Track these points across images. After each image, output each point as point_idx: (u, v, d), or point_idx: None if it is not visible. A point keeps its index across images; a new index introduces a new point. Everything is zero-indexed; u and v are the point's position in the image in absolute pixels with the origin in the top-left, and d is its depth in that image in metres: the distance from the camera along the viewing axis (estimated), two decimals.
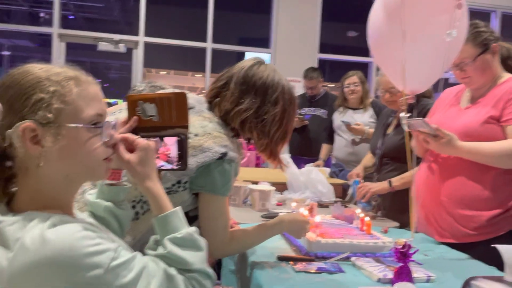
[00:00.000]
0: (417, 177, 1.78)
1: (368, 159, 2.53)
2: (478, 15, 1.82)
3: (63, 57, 5.43)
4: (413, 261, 1.20)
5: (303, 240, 1.46)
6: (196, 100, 1.34)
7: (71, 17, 8.45)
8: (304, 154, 3.94)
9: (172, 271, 0.81)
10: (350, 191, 2.56)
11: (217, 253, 1.31)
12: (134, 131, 1.03)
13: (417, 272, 1.25)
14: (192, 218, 1.28)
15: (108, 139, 0.84)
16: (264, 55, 5.81)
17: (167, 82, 2.27)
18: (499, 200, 1.60)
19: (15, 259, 0.69)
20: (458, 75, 1.70)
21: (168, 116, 1.00)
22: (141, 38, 5.54)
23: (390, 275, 1.22)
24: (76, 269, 0.69)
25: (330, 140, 3.64)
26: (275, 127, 1.31)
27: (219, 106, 1.32)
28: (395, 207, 2.15)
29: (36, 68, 0.79)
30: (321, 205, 2.27)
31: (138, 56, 5.56)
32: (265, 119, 1.29)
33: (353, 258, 1.38)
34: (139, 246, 1.16)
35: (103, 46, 5.44)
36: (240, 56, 6.30)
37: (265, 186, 2.24)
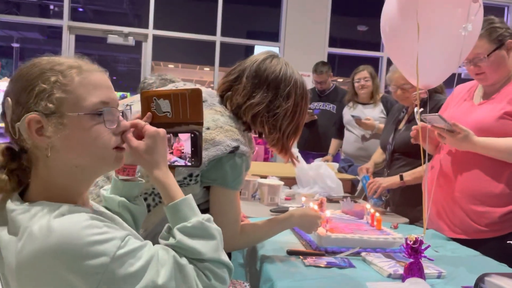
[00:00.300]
0: (429, 172, 1.76)
1: (378, 155, 2.51)
2: (492, 10, 1.80)
3: (73, 49, 5.45)
4: (424, 257, 1.19)
5: (313, 235, 1.46)
6: (208, 94, 1.34)
7: (80, 9, 8.47)
8: (313, 149, 3.93)
9: (183, 260, 0.80)
10: (359, 186, 2.55)
11: (227, 247, 1.31)
12: None
13: (428, 268, 1.25)
14: (203, 211, 1.27)
15: (115, 126, 0.81)
16: (273, 49, 5.78)
17: (175, 76, 2.26)
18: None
19: (23, 247, 0.70)
20: (472, 71, 1.68)
21: (183, 112, 1.00)
22: (150, 31, 5.55)
23: (400, 270, 1.22)
24: (81, 258, 0.68)
25: (340, 135, 3.63)
26: (287, 122, 1.30)
27: (231, 100, 1.31)
28: (405, 202, 2.14)
29: (43, 61, 0.80)
30: (331, 200, 2.27)
31: (147, 49, 5.57)
32: (277, 113, 1.28)
33: (363, 253, 1.38)
34: (150, 238, 1.16)
35: (112, 39, 5.46)
36: (249, 49, 6.29)
37: (274, 181, 2.24)
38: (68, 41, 5.42)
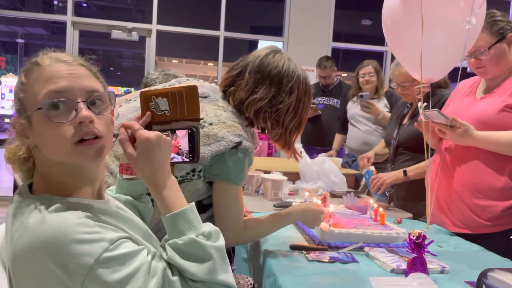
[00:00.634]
0: (432, 167, 1.76)
1: (380, 147, 2.51)
2: (496, 4, 1.78)
3: (77, 45, 5.46)
4: (428, 252, 1.19)
5: (316, 230, 1.46)
6: (211, 89, 1.34)
7: (84, 4, 8.48)
8: (317, 144, 3.92)
9: (174, 277, 0.75)
10: (363, 181, 2.55)
11: (230, 241, 1.32)
12: (148, 126, 1.04)
13: (431, 263, 1.25)
14: (206, 206, 1.29)
15: (70, 119, 0.75)
16: (277, 44, 5.76)
17: (179, 71, 2.26)
18: None
19: (18, 239, 0.71)
20: (473, 64, 1.68)
21: (180, 110, 1.01)
22: (154, 26, 5.54)
23: (403, 265, 1.21)
24: (66, 254, 0.68)
25: (344, 130, 3.62)
26: (290, 117, 1.30)
27: (234, 95, 1.31)
28: (409, 197, 2.14)
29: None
30: (334, 195, 2.27)
31: (151, 44, 5.57)
32: (279, 108, 1.28)
33: (366, 248, 1.38)
34: (154, 233, 1.17)
35: (116, 34, 5.46)
36: (253, 44, 6.27)
37: (277, 176, 2.24)
38: (72, 36, 5.43)
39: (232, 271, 1.71)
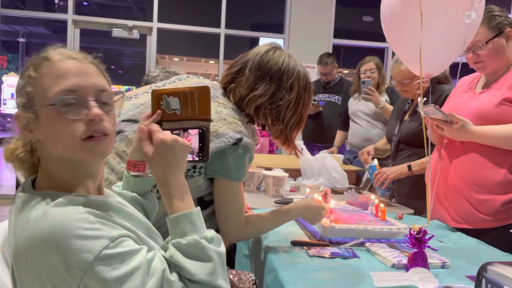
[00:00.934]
0: (432, 162, 1.76)
1: (382, 144, 2.51)
2: (498, 0, 1.78)
3: (78, 43, 5.47)
4: (428, 247, 1.19)
5: (318, 226, 1.46)
6: (211, 86, 1.34)
7: (85, 3, 8.48)
8: (318, 140, 3.93)
9: (173, 276, 0.76)
10: (365, 176, 2.54)
11: (231, 237, 1.33)
12: (158, 124, 1.05)
13: (432, 258, 1.25)
14: (207, 203, 1.29)
15: (80, 116, 0.77)
16: (278, 41, 5.76)
17: (180, 69, 2.26)
18: None
19: (20, 233, 0.71)
20: (471, 59, 1.68)
21: (191, 109, 1.02)
22: (155, 24, 5.54)
23: (404, 260, 1.22)
24: (66, 250, 0.68)
25: (345, 126, 3.62)
26: (290, 113, 1.30)
27: (234, 92, 1.31)
28: (411, 194, 2.14)
29: (38, 54, 0.82)
30: (335, 191, 2.27)
31: (152, 42, 5.57)
32: (280, 105, 1.28)
33: (367, 244, 1.38)
34: (156, 228, 1.18)
35: (116, 33, 5.46)
36: (254, 41, 6.27)
37: (278, 172, 2.24)
38: (73, 35, 5.44)
39: (233, 270, 1.72)
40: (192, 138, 1.00)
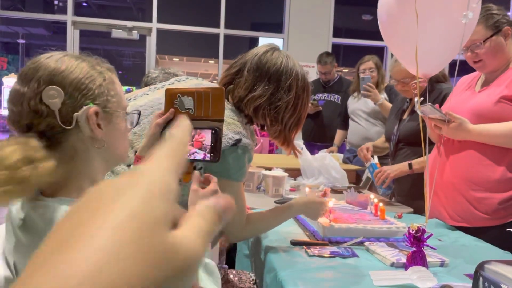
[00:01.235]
0: (431, 160, 1.77)
1: (381, 142, 2.52)
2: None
3: (77, 44, 5.48)
4: (427, 245, 1.20)
5: (317, 225, 1.47)
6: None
7: (84, 4, 8.48)
8: (318, 140, 3.93)
9: None
10: (365, 175, 2.55)
11: (233, 237, 1.34)
12: (171, 122, 1.07)
13: (431, 257, 1.26)
14: None
15: (132, 126, 0.89)
16: (277, 40, 5.77)
17: (180, 69, 2.27)
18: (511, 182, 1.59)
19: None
20: (470, 58, 1.68)
21: (205, 110, 1.03)
22: (154, 24, 5.55)
23: (403, 259, 1.22)
24: None
25: (345, 126, 3.62)
26: (289, 114, 1.31)
27: (233, 93, 1.32)
28: (411, 193, 2.14)
29: (80, 58, 0.82)
30: (335, 190, 2.27)
31: (151, 43, 5.58)
32: (278, 105, 1.29)
33: (366, 243, 1.39)
34: None
35: (116, 33, 5.47)
36: (253, 41, 6.27)
37: (278, 172, 2.25)
38: (72, 36, 5.45)
39: (234, 269, 1.73)
40: (205, 135, 1.02)
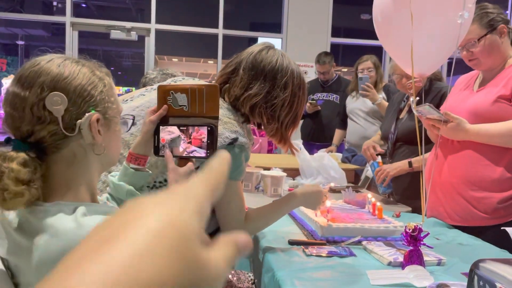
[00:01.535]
0: (430, 160, 1.77)
1: (376, 139, 2.52)
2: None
3: (76, 46, 5.48)
4: (424, 244, 1.21)
5: (315, 225, 1.47)
6: None
7: (83, 5, 8.49)
8: (317, 139, 3.93)
9: None
10: (364, 174, 2.55)
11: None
12: (164, 119, 1.07)
13: (428, 256, 1.26)
14: None
15: (126, 129, 0.91)
16: (276, 40, 5.77)
17: (179, 69, 2.28)
18: (511, 181, 1.59)
19: (46, 246, 0.70)
20: (465, 57, 1.68)
21: (199, 107, 1.03)
22: (153, 25, 5.55)
23: (400, 258, 1.23)
24: None
25: (343, 125, 3.63)
26: (285, 112, 1.31)
27: (229, 92, 1.32)
28: (410, 191, 2.14)
29: (80, 63, 0.82)
30: (333, 190, 2.28)
31: (150, 43, 5.58)
32: (274, 103, 1.29)
33: (364, 242, 1.39)
34: None
35: (115, 34, 5.47)
36: (252, 41, 6.27)
37: (277, 172, 2.25)
38: (71, 37, 5.45)
39: (232, 269, 1.73)
40: (204, 132, 1.02)
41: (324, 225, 1.41)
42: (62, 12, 5.64)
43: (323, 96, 3.97)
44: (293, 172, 2.57)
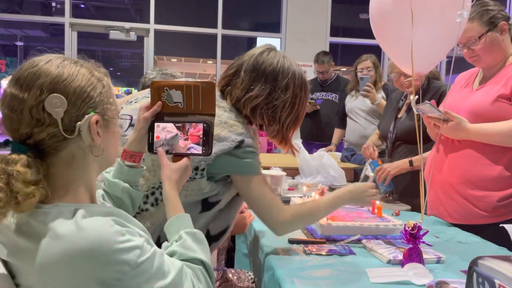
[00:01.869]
0: (431, 158, 1.77)
1: (375, 139, 2.52)
2: None
3: (75, 46, 5.47)
4: (423, 242, 1.21)
5: (315, 223, 1.47)
6: None
7: (82, 5, 8.49)
8: (316, 139, 3.94)
9: (183, 264, 0.86)
10: (363, 173, 2.55)
11: (278, 231, 1.30)
12: (159, 115, 1.06)
13: (428, 254, 1.27)
14: (212, 204, 1.29)
15: (123, 130, 0.92)
16: (275, 40, 5.77)
17: (178, 69, 2.28)
18: (511, 180, 1.59)
19: (47, 249, 0.70)
20: (466, 55, 1.68)
21: (195, 104, 1.03)
22: (152, 25, 5.55)
23: (400, 256, 1.23)
24: (106, 264, 0.70)
25: (342, 124, 3.63)
26: (286, 113, 1.31)
27: (231, 94, 1.32)
28: (410, 190, 2.15)
29: (79, 64, 0.81)
30: (333, 189, 2.28)
31: (149, 44, 5.58)
32: (275, 105, 1.29)
33: (363, 241, 1.40)
34: (159, 231, 1.19)
35: (114, 35, 5.47)
36: (251, 41, 6.28)
37: (276, 171, 2.25)
38: (70, 38, 5.44)
39: (233, 269, 1.73)
40: (201, 129, 1.02)
41: (324, 224, 1.42)
42: (60, 12, 5.64)
43: (322, 96, 3.97)
44: (292, 172, 2.58)
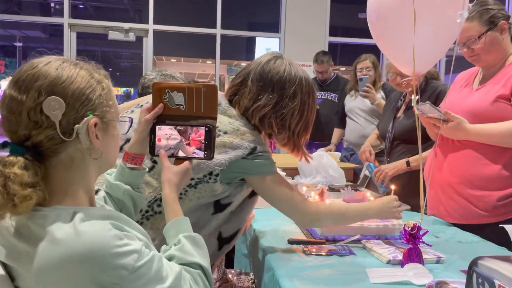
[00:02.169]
0: (430, 158, 1.77)
1: (373, 139, 2.52)
2: None
3: (74, 47, 5.47)
4: (423, 242, 1.21)
5: None
6: (221, 98, 1.35)
7: (81, 6, 8.48)
8: (316, 138, 3.93)
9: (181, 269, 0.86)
10: (363, 173, 2.55)
11: (306, 221, 1.35)
12: (160, 117, 1.05)
13: (427, 254, 1.27)
14: (224, 206, 1.29)
15: (124, 133, 0.91)
16: (274, 40, 5.78)
17: (178, 70, 2.28)
18: (510, 179, 1.59)
19: (45, 253, 0.70)
20: (466, 54, 1.68)
21: (197, 107, 1.02)
22: (151, 26, 5.55)
23: (400, 256, 1.24)
24: (104, 268, 0.70)
25: (342, 124, 3.63)
26: (296, 120, 1.31)
27: (239, 104, 1.33)
28: (410, 190, 2.14)
29: (78, 66, 0.81)
30: (332, 189, 2.28)
31: (148, 44, 5.58)
32: (284, 113, 1.29)
33: (363, 241, 1.40)
34: (160, 239, 1.18)
35: (113, 35, 5.47)
36: (250, 41, 6.28)
37: None
38: (69, 38, 5.44)
39: (232, 269, 1.73)
40: (203, 133, 1.01)
41: None
42: (59, 13, 5.64)
43: (322, 95, 3.97)
44: (292, 171, 2.58)
